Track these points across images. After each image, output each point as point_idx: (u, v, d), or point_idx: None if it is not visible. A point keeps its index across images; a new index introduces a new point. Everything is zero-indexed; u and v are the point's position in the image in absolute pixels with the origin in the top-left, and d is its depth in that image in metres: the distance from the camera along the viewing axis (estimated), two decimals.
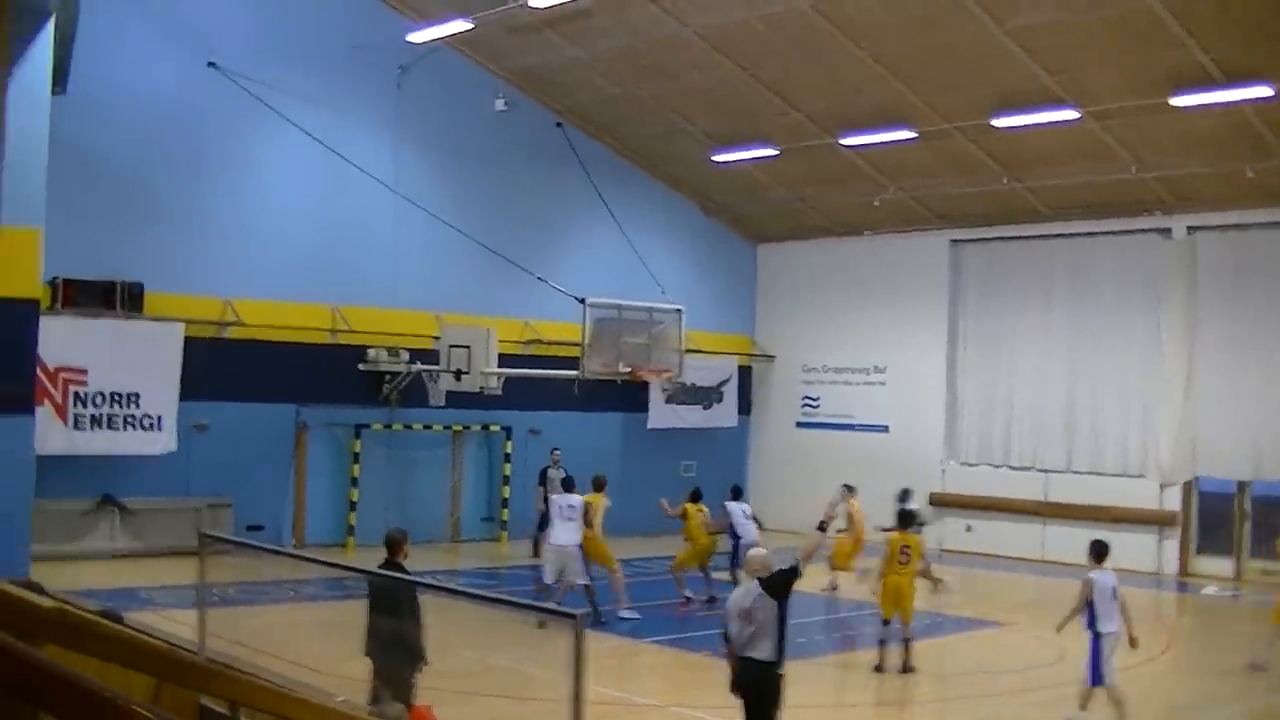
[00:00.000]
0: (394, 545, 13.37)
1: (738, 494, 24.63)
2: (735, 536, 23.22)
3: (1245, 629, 23.55)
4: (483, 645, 16.75)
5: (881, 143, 29.31)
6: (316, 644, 14.20)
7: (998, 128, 27.21)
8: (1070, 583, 26.68)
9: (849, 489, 24.01)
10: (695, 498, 24.02)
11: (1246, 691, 18.11)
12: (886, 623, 18.39)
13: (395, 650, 12.55)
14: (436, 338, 27.54)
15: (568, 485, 22.03)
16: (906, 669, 18.18)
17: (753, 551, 13.05)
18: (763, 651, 11.81)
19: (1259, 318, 27.87)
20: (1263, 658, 18.72)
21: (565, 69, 30.19)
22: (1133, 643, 15.23)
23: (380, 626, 12.70)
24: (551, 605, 10.92)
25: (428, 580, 13.55)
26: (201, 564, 10.25)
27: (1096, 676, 14.94)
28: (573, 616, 7.26)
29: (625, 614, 21.31)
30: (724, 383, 35.17)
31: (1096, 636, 14.99)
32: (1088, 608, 15.09)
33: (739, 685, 12.03)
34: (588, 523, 21.24)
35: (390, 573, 13.02)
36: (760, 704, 11.87)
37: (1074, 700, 15.23)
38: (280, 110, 26.49)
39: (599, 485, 22.29)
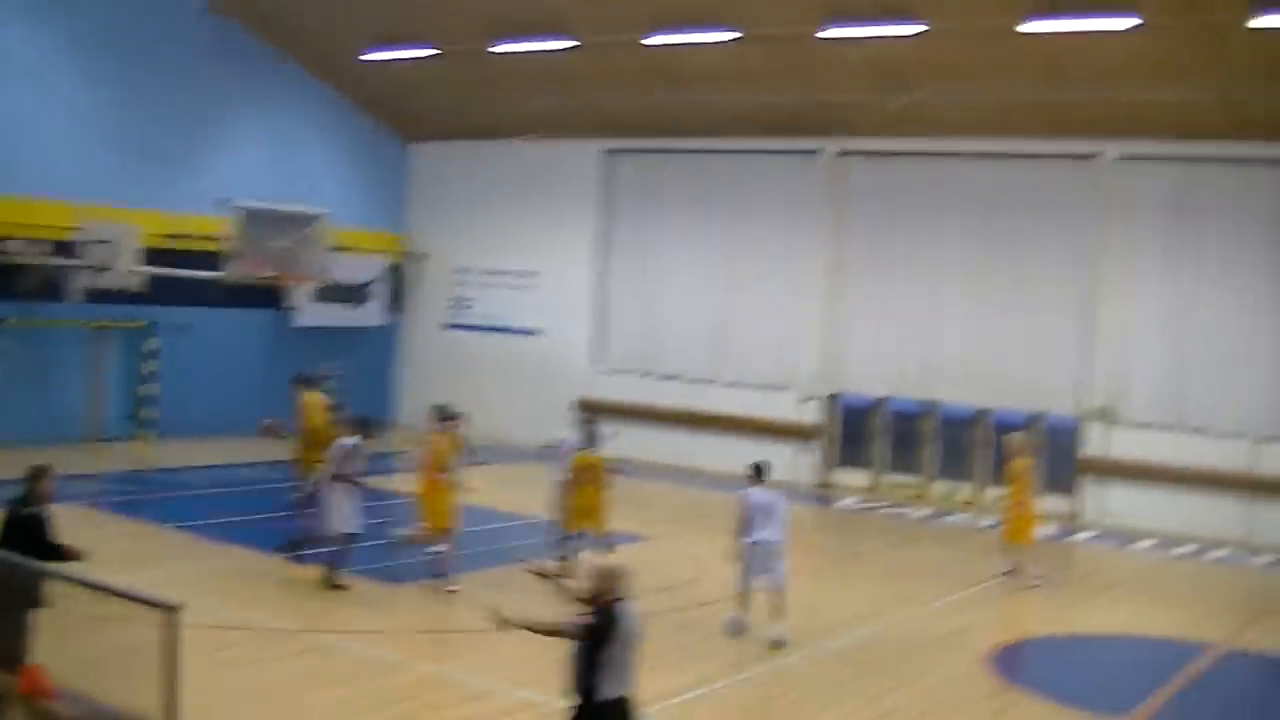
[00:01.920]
0: (35, 480, 12.05)
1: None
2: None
3: (886, 539, 24.97)
4: (129, 564, 16.20)
5: (539, 51, 29.21)
6: None
7: (650, 46, 27.49)
8: (715, 494, 27.76)
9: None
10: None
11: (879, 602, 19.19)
12: (568, 537, 18.96)
13: (7, 595, 11.52)
14: (78, 229, 26.44)
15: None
16: None
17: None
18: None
19: (903, 240, 29.05)
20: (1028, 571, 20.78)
21: None
22: None
23: None
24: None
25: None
26: None
27: (742, 581, 16.43)
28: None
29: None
30: (372, 281, 34.80)
31: (750, 545, 16.22)
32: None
33: None
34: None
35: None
36: None
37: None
38: None
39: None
